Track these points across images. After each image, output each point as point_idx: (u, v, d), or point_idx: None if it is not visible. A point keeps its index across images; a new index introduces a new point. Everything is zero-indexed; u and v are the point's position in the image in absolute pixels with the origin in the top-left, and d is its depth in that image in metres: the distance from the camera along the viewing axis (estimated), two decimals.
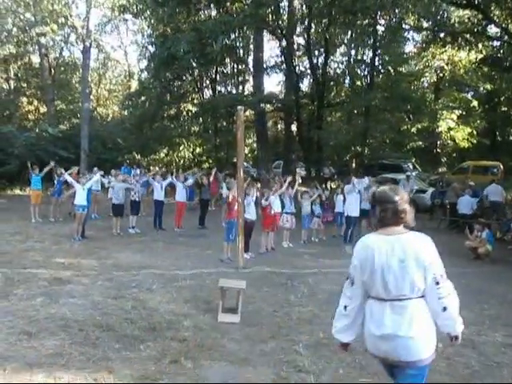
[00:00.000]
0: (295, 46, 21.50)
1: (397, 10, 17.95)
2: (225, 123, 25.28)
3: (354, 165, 22.97)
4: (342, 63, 24.72)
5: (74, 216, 10.69)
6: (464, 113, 22.80)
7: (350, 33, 22.49)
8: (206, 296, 6.01)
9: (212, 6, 20.75)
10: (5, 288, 6.02)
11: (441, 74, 25.36)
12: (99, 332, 4.59)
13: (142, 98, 23.83)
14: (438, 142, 25.39)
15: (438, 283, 2.43)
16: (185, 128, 25.00)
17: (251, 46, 22.80)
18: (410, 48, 24.66)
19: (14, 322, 4.77)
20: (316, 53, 21.85)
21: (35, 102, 29.87)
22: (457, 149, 25.53)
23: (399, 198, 2.55)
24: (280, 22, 19.26)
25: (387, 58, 21.00)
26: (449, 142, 24.88)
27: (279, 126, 29.50)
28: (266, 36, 21.63)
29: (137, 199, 11.90)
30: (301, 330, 4.98)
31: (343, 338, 2.69)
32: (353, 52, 24.52)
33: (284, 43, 19.80)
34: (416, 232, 2.53)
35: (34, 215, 12.27)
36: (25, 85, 29.38)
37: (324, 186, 14.12)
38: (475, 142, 23.84)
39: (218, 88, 25.85)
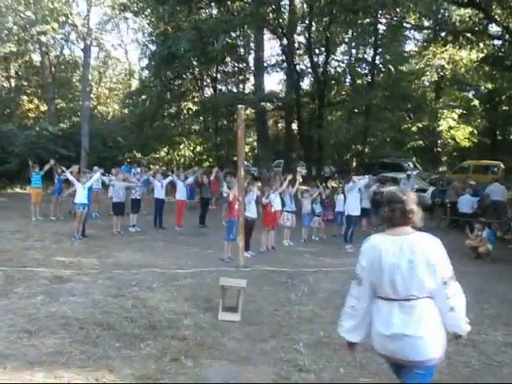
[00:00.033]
0: (296, 45, 21.44)
1: (398, 9, 17.91)
2: (225, 122, 25.27)
3: (354, 164, 23.01)
4: (343, 62, 24.65)
5: (74, 214, 10.68)
6: (465, 112, 22.82)
7: (350, 31, 22.42)
8: (207, 295, 6.01)
9: (213, 4, 20.73)
10: (5, 286, 6.03)
11: (442, 73, 25.32)
12: (99, 330, 4.59)
13: (143, 97, 23.82)
14: (439, 141, 25.38)
15: (445, 283, 2.45)
16: (185, 127, 24.98)
17: (252, 45, 22.76)
18: (410, 47, 24.70)
19: (15, 320, 4.77)
20: (317, 51, 21.80)
21: (36, 101, 29.84)
22: (457, 148, 25.54)
23: (407, 198, 2.56)
24: (281, 21, 19.23)
25: (388, 57, 20.99)
26: (449, 140, 24.90)
27: (280, 124, 29.46)
28: (267, 35, 21.60)
29: (137, 197, 11.91)
30: (301, 328, 4.98)
31: (351, 337, 2.69)
32: (353, 51, 24.48)
33: (285, 42, 19.78)
34: (424, 232, 2.54)
35: (34, 214, 12.28)
36: (25, 83, 29.35)
37: (324, 184, 14.10)
38: (476, 141, 23.87)
39: (219, 87, 25.82)
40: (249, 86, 25.87)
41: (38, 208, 12.44)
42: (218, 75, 25.27)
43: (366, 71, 22.51)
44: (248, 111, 20.64)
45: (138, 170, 15.71)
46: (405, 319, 2.43)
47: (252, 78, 23.70)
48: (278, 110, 23.96)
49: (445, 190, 14.85)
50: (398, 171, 18.12)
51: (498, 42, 18.16)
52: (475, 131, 23.49)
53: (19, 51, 26.65)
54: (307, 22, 19.93)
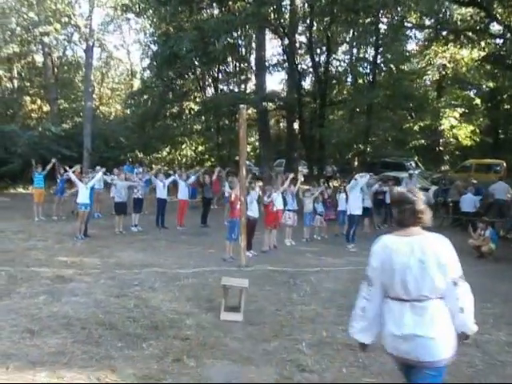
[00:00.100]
0: (297, 45, 21.44)
1: (399, 8, 17.92)
2: (227, 121, 25.24)
3: (356, 163, 22.95)
4: (344, 61, 24.59)
5: (76, 214, 10.72)
6: (466, 111, 22.71)
7: (352, 31, 22.45)
8: (209, 294, 6.01)
9: (214, 4, 20.77)
10: (8, 286, 6.04)
11: (443, 72, 25.23)
12: (102, 330, 4.59)
13: (145, 97, 23.86)
14: (441, 140, 25.30)
15: (455, 284, 2.46)
16: (187, 126, 24.99)
17: (253, 45, 22.76)
18: (412, 46, 24.73)
19: (17, 320, 4.78)
20: (318, 51, 21.81)
21: (38, 101, 29.89)
22: (459, 147, 25.46)
23: (417, 199, 2.56)
24: (282, 21, 19.24)
25: (389, 56, 20.91)
26: (451, 140, 24.82)
27: (281, 124, 29.45)
28: (268, 34, 21.58)
29: (140, 197, 11.92)
30: (304, 328, 4.97)
31: (363, 338, 2.68)
32: (355, 50, 24.40)
33: (286, 42, 19.77)
34: (434, 233, 2.54)
35: (36, 214, 12.31)
36: (28, 84, 29.41)
37: (326, 183, 14.09)
38: (478, 139, 23.77)
39: (221, 86, 25.82)
40: (250, 86, 25.85)
41: (41, 208, 12.47)
42: (220, 75, 25.26)
43: (368, 70, 22.44)
44: (250, 111, 20.63)
45: (140, 169, 15.73)
46: (417, 320, 2.43)
47: (253, 78, 23.67)
48: (279, 110, 23.96)
49: (447, 189, 14.82)
50: (399, 170, 18.08)
51: (499, 41, 18.17)
52: (477, 130, 23.39)
53: (22, 52, 26.72)
54: (308, 21, 19.95)
